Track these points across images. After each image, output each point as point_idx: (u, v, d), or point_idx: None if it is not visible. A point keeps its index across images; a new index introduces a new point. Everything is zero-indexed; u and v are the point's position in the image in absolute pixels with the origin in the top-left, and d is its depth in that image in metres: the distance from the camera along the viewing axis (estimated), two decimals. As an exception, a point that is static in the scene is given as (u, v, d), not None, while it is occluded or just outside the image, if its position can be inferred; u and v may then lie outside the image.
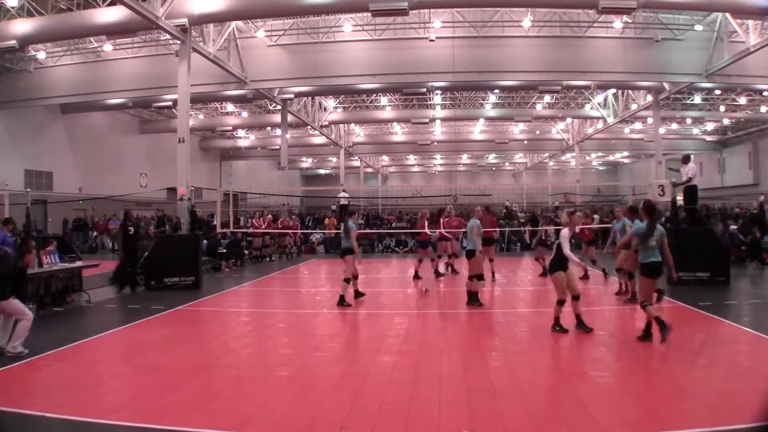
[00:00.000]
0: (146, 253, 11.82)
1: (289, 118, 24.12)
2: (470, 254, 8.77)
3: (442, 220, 12.43)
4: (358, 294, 9.46)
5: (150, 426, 4.16)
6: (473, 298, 8.84)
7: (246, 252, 17.12)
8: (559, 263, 6.87)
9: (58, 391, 5.01)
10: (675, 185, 11.58)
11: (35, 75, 19.36)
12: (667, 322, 6.18)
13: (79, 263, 10.22)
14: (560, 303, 6.90)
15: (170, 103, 20.14)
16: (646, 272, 6.47)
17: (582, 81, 20.00)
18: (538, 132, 35.55)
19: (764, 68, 16.71)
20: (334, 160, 40.72)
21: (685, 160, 11.94)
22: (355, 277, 9.40)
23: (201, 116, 30.16)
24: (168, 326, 8.02)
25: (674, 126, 33.43)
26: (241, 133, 34.33)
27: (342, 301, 9.05)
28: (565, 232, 6.97)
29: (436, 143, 36.81)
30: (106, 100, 21.16)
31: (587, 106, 28.44)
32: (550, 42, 17.77)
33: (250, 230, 17.65)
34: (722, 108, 28.47)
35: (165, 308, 9.05)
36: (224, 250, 15.69)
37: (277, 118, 25.05)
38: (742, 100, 26.08)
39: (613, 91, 24.87)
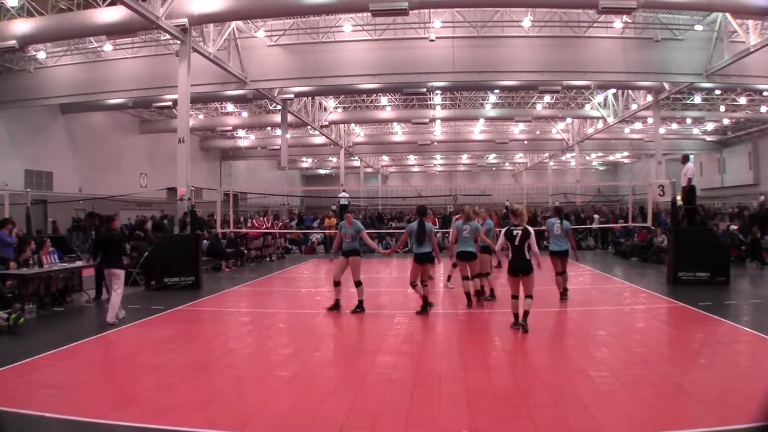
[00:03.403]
0: (145, 253, 11.80)
1: (289, 118, 24.13)
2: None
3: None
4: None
5: (150, 426, 4.15)
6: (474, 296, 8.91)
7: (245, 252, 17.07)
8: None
9: (58, 391, 5.00)
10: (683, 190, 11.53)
11: (35, 75, 19.36)
12: (430, 300, 8.31)
13: (79, 263, 10.20)
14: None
15: (170, 103, 20.16)
16: (417, 260, 8.20)
17: (582, 81, 20.02)
18: (538, 132, 35.56)
19: (764, 68, 16.74)
20: (334, 160, 40.74)
21: (684, 160, 11.93)
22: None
23: (201, 116, 30.17)
24: (168, 326, 8.01)
25: (674, 126, 33.44)
26: (241, 133, 34.34)
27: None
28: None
29: (436, 143, 36.82)
30: (106, 100, 21.18)
31: (587, 106, 28.46)
32: (550, 42, 17.78)
33: (243, 231, 17.45)
34: (722, 108, 28.47)
35: (165, 308, 9.04)
36: (231, 251, 15.73)
37: (277, 118, 25.07)
38: (742, 100, 26.08)
39: (613, 91, 24.88)
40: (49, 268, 9.12)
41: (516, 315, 7.01)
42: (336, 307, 8.62)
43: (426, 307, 8.27)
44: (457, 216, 10.34)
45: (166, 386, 5.13)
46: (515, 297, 7.03)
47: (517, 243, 6.85)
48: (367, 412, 4.39)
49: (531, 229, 6.97)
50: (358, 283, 8.54)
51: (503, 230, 7.15)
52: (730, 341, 6.65)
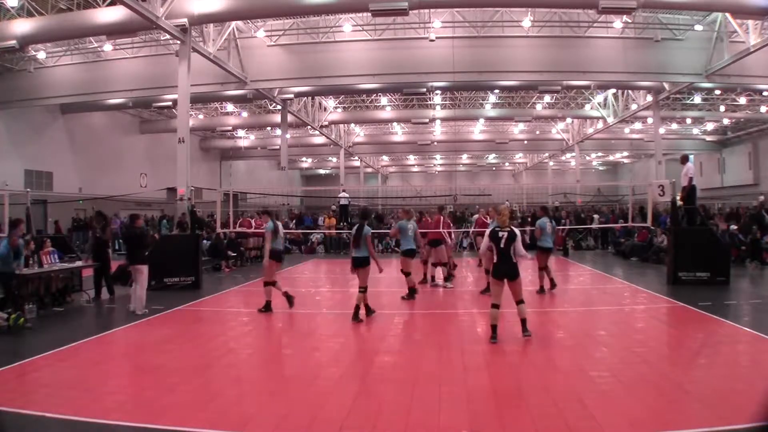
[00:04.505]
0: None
1: (289, 118, 24.13)
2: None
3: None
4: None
5: (150, 426, 4.15)
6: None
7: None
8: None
9: (58, 391, 5.00)
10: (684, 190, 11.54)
11: (35, 75, 19.35)
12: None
13: (79, 263, 10.20)
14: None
15: (170, 103, 20.15)
16: (352, 263, 8.02)
17: (582, 81, 20.01)
18: (538, 132, 35.55)
19: (764, 68, 16.73)
20: (334, 160, 40.73)
21: (684, 160, 11.92)
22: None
23: (201, 116, 30.16)
24: (168, 326, 8.01)
25: (674, 126, 33.43)
26: (241, 133, 34.34)
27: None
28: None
29: (436, 143, 36.81)
30: (106, 100, 21.17)
31: (587, 106, 28.45)
32: (550, 42, 17.78)
33: (242, 230, 17.35)
34: (722, 108, 28.46)
35: (165, 308, 9.04)
36: (234, 253, 15.71)
37: (277, 118, 25.06)
38: (742, 100, 26.06)
39: (613, 91, 24.87)
40: (49, 268, 9.12)
41: (494, 327, 6.46)
42: (289, 301, 8.83)
43: (357, 314, 7.86)
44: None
45: (166, 386, 5.13)
46: (496, 306, 6.48)
47: (502, 245, 6.43)
48: (367, 412, 4.39)
49: (518, 231, 6.64)
50: (265, 284, 8.73)
51: (487, 231, 6.80)
52: (730, 341, 6.66)
